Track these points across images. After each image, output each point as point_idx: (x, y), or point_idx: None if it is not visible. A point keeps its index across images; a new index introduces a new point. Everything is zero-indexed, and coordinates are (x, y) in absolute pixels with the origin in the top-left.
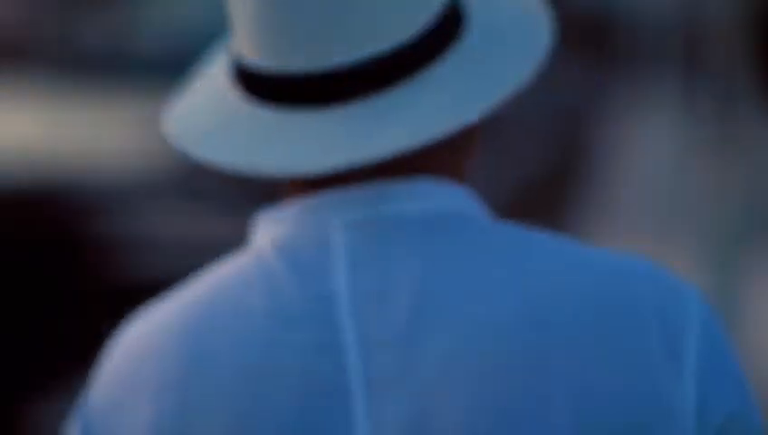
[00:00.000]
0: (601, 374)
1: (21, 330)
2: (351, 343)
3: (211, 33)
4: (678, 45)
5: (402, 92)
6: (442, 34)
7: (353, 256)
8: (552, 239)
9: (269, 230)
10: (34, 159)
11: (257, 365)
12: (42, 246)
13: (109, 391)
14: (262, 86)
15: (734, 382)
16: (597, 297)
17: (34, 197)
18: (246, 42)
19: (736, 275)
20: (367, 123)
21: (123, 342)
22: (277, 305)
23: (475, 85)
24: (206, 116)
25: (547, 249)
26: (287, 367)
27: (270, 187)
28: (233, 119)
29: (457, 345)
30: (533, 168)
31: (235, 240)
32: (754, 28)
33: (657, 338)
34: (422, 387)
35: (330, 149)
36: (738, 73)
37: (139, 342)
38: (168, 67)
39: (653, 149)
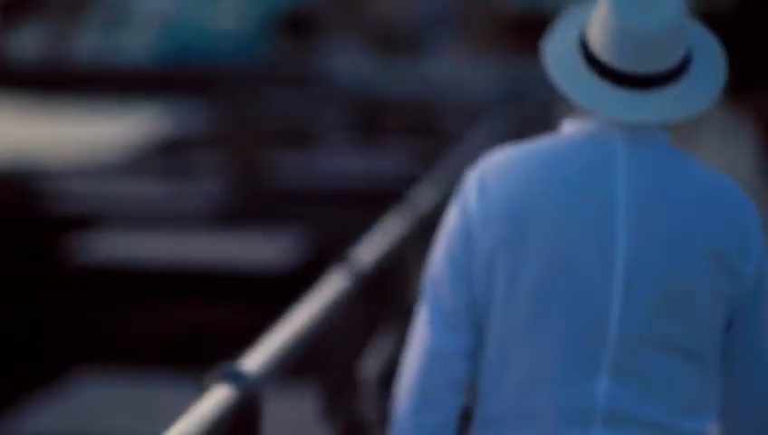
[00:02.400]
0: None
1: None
2: (621, 188)
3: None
4: None
5: (675, 90)
6: (685, 64)
7: (628, 152)
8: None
9: (573, 126)
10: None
11: (572, 186)
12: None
13: (485, 175)
14: (608, 74)
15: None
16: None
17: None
18: (602, 47)
19: None
20: (663, 102)
21: (491, 159)
22: (583, 162)
23: (702, 94)
24: (569, 71)
25: (692, 165)
26: (586, 206)
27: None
28: (587, 82)
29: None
30: None
31: (175, 209)
32: (713, 27)
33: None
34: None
35: (640, 111)
36: None
37: (506, 156)
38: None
39: None
